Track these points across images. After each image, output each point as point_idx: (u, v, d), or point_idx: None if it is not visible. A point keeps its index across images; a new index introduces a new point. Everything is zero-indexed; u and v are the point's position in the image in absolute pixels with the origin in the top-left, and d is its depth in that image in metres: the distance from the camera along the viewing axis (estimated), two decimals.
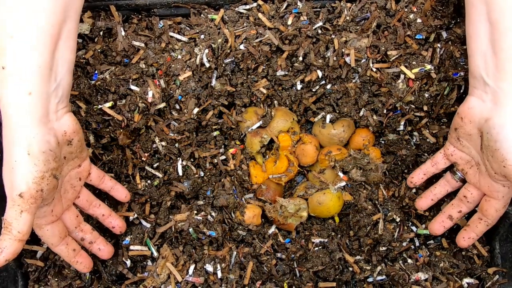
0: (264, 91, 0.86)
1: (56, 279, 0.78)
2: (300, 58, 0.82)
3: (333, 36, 0.82)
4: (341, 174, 0.88)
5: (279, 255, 0.83)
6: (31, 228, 0.58)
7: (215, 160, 0.87)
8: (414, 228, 0.84)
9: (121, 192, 0.78)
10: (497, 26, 0.60)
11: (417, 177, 0.82)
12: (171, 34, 0.82)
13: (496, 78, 0.62)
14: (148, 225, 0.82)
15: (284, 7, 0.82)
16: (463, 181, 0.77)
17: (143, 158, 0.84)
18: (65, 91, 0.63)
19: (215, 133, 0.88)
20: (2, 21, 0.55)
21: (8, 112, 0.56)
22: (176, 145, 0.85)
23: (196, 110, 0.83)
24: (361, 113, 0.86)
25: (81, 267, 0.72)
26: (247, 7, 0.82)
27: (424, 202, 0.81)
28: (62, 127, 0.63)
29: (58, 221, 0.67)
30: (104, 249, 0.75)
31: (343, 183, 0.86)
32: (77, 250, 0.71)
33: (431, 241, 0.85)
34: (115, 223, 0.77)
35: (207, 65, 0.81)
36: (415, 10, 0.80)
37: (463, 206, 0.77)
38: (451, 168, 0.79)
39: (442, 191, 0.80)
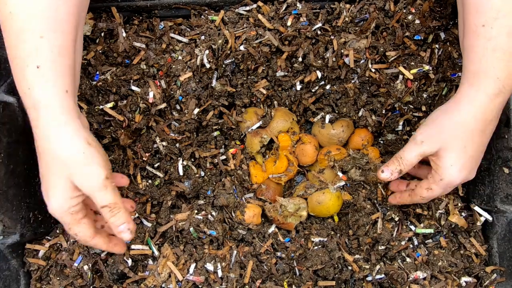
0: (264, 91, 0.86)
1: (58, 278, 0.78)
2: (300, 59, 0.83)
3: (332, 37, 0.82)
4: (340, 174, 0.88)
5: (279, 254, 0.84)
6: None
7: (216, 160, 0.88)
8: (412, 227, 0.85)
9: (119, 178, 0.77)
10: (465, 26, 0.65)
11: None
12: (172, 35, 0.83)
13: (461, 74, 0.68)
14: (149, 225, 0.82)
15: (284, 8, 0.82)
16: None
17: (144, 158, 0.84)
18: (77, 88, 0.67)
19: (216, 133, 0.88)
20: (30, 23, 0.57)
21: (50, 110, 0.58)
22: (177, 145, 0.85)
23: (196, 110, 0.84)
24: (360, 113, 0.87)
25: (120, 248, 0.72)
26: (247, 8, 0.83)
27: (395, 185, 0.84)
28: (84, 121, 0.66)
29: (88, 212, 0.68)
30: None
31: (342, 183, 0.87)
32: (109, 237, 0.71)
33: (430, 240, 0.85)
34: (128, 205, 0.77)
35: (208, 66, 0.82)
36: (413, 11, 0.80)
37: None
38: None
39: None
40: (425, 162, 0.78)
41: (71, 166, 0.59)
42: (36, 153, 0.64)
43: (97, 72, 0.81)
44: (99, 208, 0.62)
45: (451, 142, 0.68)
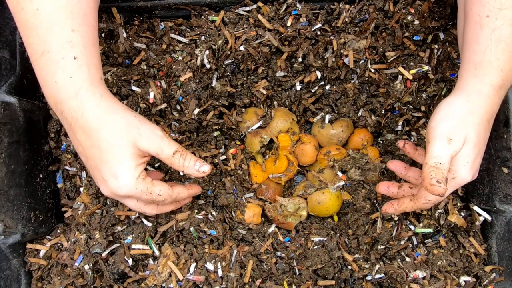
0: (264, 91, 0.87)
1: (58, 278, 0.78)
2: (300, 59, 0.83)
3: (332, 38, 0.82)
4: (340, 174, 0.89)
5: (279, 253, 0.84)
6: None
7: (216, 160, 0.88)
8: (412, 227, 0.85)
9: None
10: (467, 17, 0.64)
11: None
12: (172, 35, 0.83)
13: (461, 67, 0.66)
14: (150, 224, 0.83)
15: (284, 8, 0.83)
16: None
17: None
18: None
19: (216, 133, 0.88)
20: (59, 18, 0.59)
21: (96, 94, 0.62)
22: None
23: (196, 110, 0.84)
24: (360, 114, 0.87)
25: (196, 188, 0.77)
26: (247, 8, 0.83)
27: (397, 163, 0.79)
28: None
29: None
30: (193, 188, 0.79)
31: (342, 183, 0.87)
32: (183, 185, 0.76)
33: (429, 240, 0.86)
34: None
35: (208, 66, 0.82)
36: (412, 11, 0.80)
37: (416, 186, 0.75)
38: None
39: (415, 173, 0.78)
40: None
41: (133, 131, 0.63)
42: (78, 153, 0.67)
43: None
44: (170, 159, 0.66)
45: (469, 137, 0.63)
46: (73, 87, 0.60)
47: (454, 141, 0.62)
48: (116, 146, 0.62)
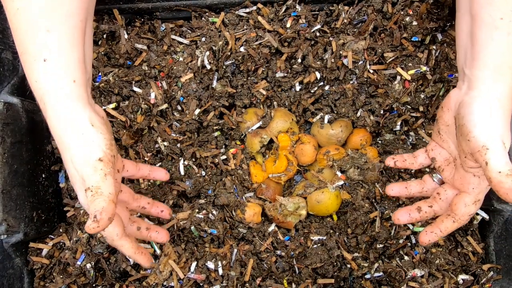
0: (264, 92, 0.87)
1: (61, 276, 0.79)
2: (299, 60, 0.84)
3: (331, 39, 0.83)
4: (339, 173, 0.89)
5: (278, 252, 0.84)
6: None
7: (216, 160, 0.89)
8: (410, 226, 0.86)
9: (160, 172, 0.79)
10: (476, 18, 0.62)
11: (399, 158, 0.77)
12: (173, 37, 0.84)
13: (471, 67, 0.64)
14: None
15: (283, 10, 0.83)
16: (441, 183, 0.75)
17: (146, 158, 0.85)
18: (91, 82, 0.68)
19: (216, 134, 0.89)
20: (37, 18, 0.57)
21: (58, 99, 0.58)
22: (178, 145, 0.86)
23: (197, 111, 0.84)
24: (359, 114, 0.88)
25: (145, 259, 0.71)
26: (247, 10, 0.84)
27: (396, 186, 0.77)
28: (99, 111, 0.66)
29: (117, 208, 0.64)
30: (161, 232, 0.76)
31: (341, 182, 0.88)
32: (136, 243, 0.70)
33: None
34: (162, 208, 0.78)
35: (208, 67, 0.82)
36: (411, 13, 0.81)
37: (435, 203, 0.73)
38: (431, 171, 0.77)
39: (416, 187, 0.76)
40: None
41: (72, 148, 0.59)
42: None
43: (99, 74, 0.82)
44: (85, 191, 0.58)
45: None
46: (39, 91, 0.59)
47: (506, 144, 0.60)
48: (65, 163, 0.61)
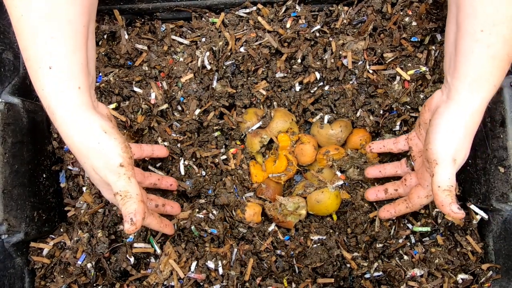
0: (264, 92, 0.87)
1: (61, 276, 0.79)
2: (299, 60, 0.84)
3: (330, 39, 0.83)
4: (338, 173, 0.89)
5: (278, 252, 0.85)
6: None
7: (216, 160, 0.89)
8: (409, 226, 0.86)
9: (161, 150, 0.83)
10: (460, 28, 0.64)
11: (376, 145, 0.87)
12: (173, 37, 0.84)
13: (453, 76, 0.66)
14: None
15: (283, 10, 0.83)
16: (412, 169, 0.82)
17: (146, 158, 0.85)
18: (94, 84, 0.68)
19: (216, 134, 0.89)
20: (40, 25, 0.58)
21: (66, 108, 0.59)
22: (178, 145, 0.86)
23: (197, 111, 0.85)
24: (358, 114, 0.88)
25: (170, 229, 0.77)
26: (247, 10, 0.84)
27: (372, 170, 0.86)
28: (102, 111, 0.68)
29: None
30: (175, 206, 0.82)
31: (341, 182, 0.88)
32: (160, 218, 0.74)
33: (427, 238, 0.86)
34: (170, 181, 0.83)
35: (208, 67, 0.83)
36: (410, 13, 0.81)
37: (400, 187, 0.82)
38: (408, 157, 0.83)
39: (391, 170, 0.85)
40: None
41: (91, 157, 0.61)
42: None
43: (100, 74, 0.82)
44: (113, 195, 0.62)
45: (466, 152, 0.67)
46: (46, 99, 0.59)
47: (457, 160, 0.66)
48: (85, 167, 0.63)
